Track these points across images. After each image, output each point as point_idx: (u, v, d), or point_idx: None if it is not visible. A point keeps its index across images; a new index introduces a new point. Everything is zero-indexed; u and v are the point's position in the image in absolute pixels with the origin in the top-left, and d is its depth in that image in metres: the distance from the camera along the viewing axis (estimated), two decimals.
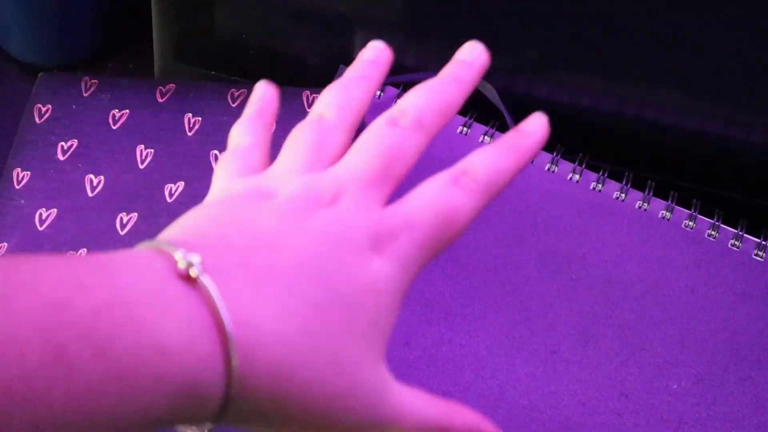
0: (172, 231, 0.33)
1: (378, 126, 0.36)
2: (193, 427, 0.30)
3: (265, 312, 0.30)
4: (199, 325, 0.28)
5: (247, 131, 0.40)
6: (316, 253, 0.32)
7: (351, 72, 0.40)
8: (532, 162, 0.38)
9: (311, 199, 0.34)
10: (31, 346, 0.26)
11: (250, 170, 0.37)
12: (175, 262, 0.29)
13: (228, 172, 0.37)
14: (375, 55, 0.40)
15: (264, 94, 0.42)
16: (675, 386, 0.47)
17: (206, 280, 0.29)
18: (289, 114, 0.53)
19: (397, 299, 0.33)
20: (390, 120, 0.36)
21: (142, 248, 0.31)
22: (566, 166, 0.54)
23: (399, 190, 0.36)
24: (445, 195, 0.35)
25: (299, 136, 0.37)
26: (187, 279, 0.29)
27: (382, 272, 0.33)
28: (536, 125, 0.38)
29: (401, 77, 0.56)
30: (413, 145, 0.36)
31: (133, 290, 0.28)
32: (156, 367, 0.27)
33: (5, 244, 0.48)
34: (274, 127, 0.40)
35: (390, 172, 0.35)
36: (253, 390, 0.29)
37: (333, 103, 0.38)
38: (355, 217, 0.34)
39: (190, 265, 0.29)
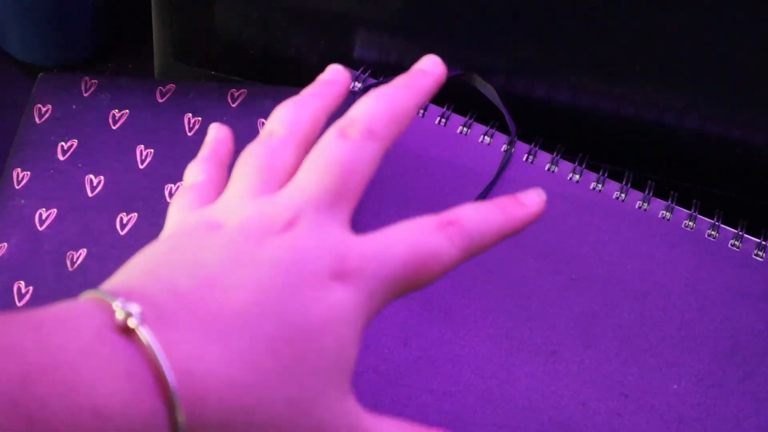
0: (120, 277, 0.31)
1: (327, 139, 0.34)
2: None
3: (212, 358, 0.28)
4: (138, 381, 0.27)
5: (200, 169, 0.38)
6: (269, 288, 0.30)
7: (305, 91, 0.38)
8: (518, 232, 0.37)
9: (263, 226, 0.32)
10: None
11: (202, 203, 0.36)
12: (113, 313, 0.28)
13: (180, 206, 0.36)
14: (331, 76, 0.39)
15: (217, 134, 0.40)
16: (675, 386, 0.47)
17: (145, 331, 0.27)
18: None
19: (359, 330, 0.31)
20: (339, 132, 0.34)
21: (84, 298, 0.29)
22: (566, 166, 0.54)
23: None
24: (427, 237, 0.33)
25: (247, 158, 0.35)
26: (126, 331, 0.27)
27: (344, 302, 0.31)
28: (534, 199, 0.37)
29: None
30: (366, 156, 0.34)
31: (67, 351, 0.26)
32: (92, 431, 0.26)
33: (5, 244, 0.48)
34: (229, 165, 0.39)
35: (346, 188, 0.33)
36: None
37: (283, 119, 0.36)
38: (313, 243, 0.31)
39: (128, 315, 0.27)
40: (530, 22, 0.54)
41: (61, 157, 0.51)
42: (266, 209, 0.33)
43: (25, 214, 0.49)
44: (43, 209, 0.50)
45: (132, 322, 0.27)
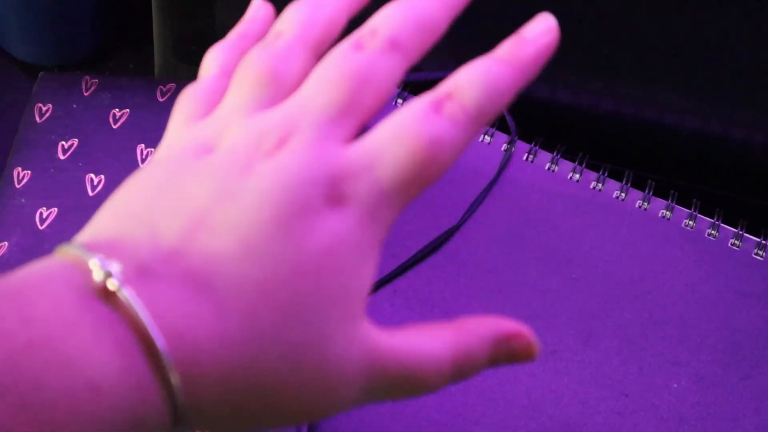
0: (99, 223, 0.28)
1: (341, 48, 0.30)
2: None
3: (202, 314, 0.26)
4: (127, 348, 0.25)
5: (217, 58, 0.34)
6: (257, 224, 0.27)
7: None
8: (537, 76, 0.32)
9: (252, 148, 0.28)
10: None
11: (206, 110, 0.32)
12: (91, 273, 0.25)
13: (179, 118, 0.32)
14: None
15: (254, 13, 0.35)
16: (675, 385, 0.47)
17: (127, 293, 0.25)
18: None
19: (369, 252, 0.28)
20: (356, 41, 0.30)
21: (60, 254, 0.26)
22: (566, 165, 0.54)
23: None
24: (424, 125, 0.28)
25: (249, 63, 0.31)
26: (106, 293, 0.25)
27: (343, 226, 0.27)
28: (541, 28, 0.32)
29: None
30: (384, 69, 0.29)
31: (51, 324, 0.24)
32: (91, 406, 0.24)
33: (6, 243, 0.48)
34: None
35: (354, 103, 0.29)
36: (206, 400, 0.26)
37: (293, 18, 0.31)
38: (304, 165, 0.28)
39: (108, 275, 0.25)
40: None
41: (61, 157, 0.51)
42: (259, 126, 0.29)
43: (25, 213, 0.49)
44: (44, 208, 0.50)
45: (112, 284, 0.25)
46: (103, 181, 0.51)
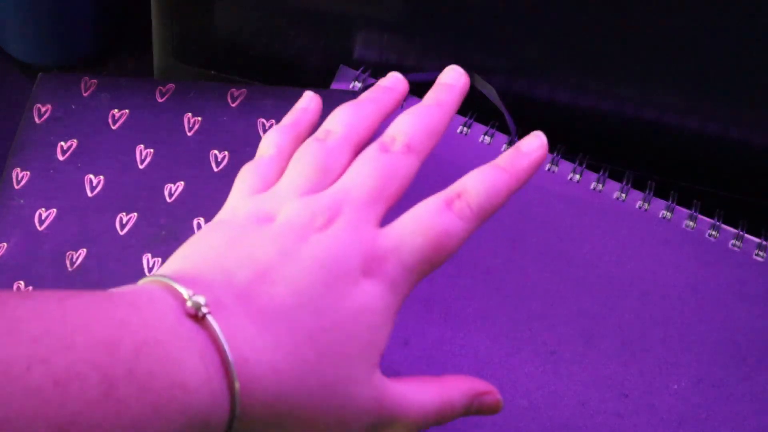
0: (178, 263, 0.35)
1: (371, 151, 0.38)
2: None
3: (262, 346, 0.32)
4: (209, 362, 0.31)
5: (274, 142, 0.41)
6: (309, 282, 0.34)
7: (365, 94, 0.42)
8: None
9: (306, 222, 0.36)
10: (89, 383, 0.28)
11: (264, 185, 0.39)
12: (184, 301, 0.32)
13: (242, 188, 0.39)
14: (391, 83, 0.42)
15: (306, 104, 0.43)
16: (675, 386, 0.47)
17: (212, 320, 0.31)
18: None
19: (389, 317, 0.35)
20: (381, 146, 0.38)
21: (148, 283, 0.33)
22: (566, 166, 0.54)
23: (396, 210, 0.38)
24: (438, 218, 0.36)
25: (305, 153, 0.39)
26: (195, 318, 0.32)
27: (373, 294, 0.35)
28: (535, 144, 0.39)
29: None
30: (405, 166, 0.38)
31: (160, 330, 0.30)
32: (181, 402, 0.30)
33: (5, 244, 0.48)
34: (305, 139, 0.41)
35: (384, 192, 0.37)
36: (253, 416, 0.32)
37: (341, 121, 0.40)
38: (348, 241, 0.35)
39: (197, 305, 0.31)
40: (530, 22, 0.54)
41: (60, 157, 0.51)
42: (312, 205, 0.36)
43: (24, 214, 0.49)
44: (43, 209, 0.50)
45: (202, 312, 0.31)
46: (102, 182, 0.51)
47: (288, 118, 0.42)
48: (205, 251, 0.35)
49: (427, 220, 0.36)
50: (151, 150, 0.52)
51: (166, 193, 0.50)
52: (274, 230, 0.36)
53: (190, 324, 0.31)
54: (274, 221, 0.36)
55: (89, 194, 0.50)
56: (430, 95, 0.41)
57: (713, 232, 0.52)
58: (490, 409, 0.39)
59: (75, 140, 0.52)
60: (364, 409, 0.35)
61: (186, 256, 0.35)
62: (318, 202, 0.36)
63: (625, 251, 0.51)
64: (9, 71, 0.63)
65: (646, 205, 0.53)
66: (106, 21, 0.62)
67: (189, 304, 0.32)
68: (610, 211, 0.52)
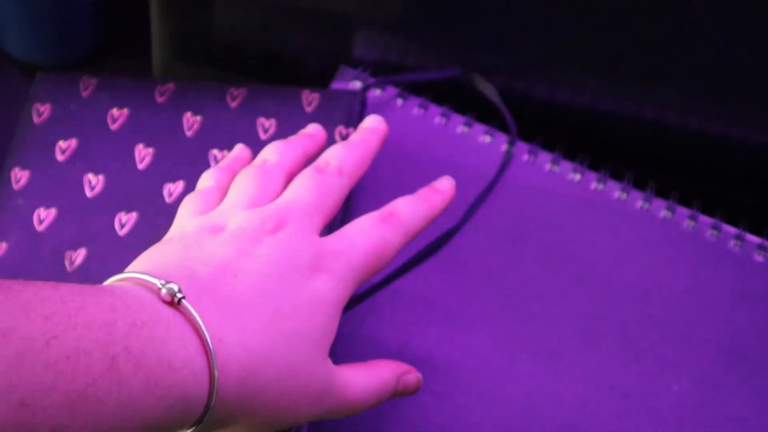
0: (140, 265, 0.38)
1: (308, 171, 0.43)
2: None
3: (232, 328, 0.35)
4: (189, 343, 0.34)
5: (212, 176, 0.45)
6: (267, 275, 0.38)
7: (292, 137, 0.47)
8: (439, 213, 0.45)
9: (257, 227, 0.40)
10: (93, 358, 0.30)
11: (206, 209, 0.43)
12: (158, 290, 0.35)
13: (188, 211, 0.43)
14: (312, 131, 0.48)
15: (239, 153, 0.48)
16: (676, 387, 0.47)
17: (188, 305, 0.34)
18: (288, 114, 0.53)
19: (338, 309, 0.39)
20: (317, 168, 0.43)
21: (116, 281, 0.36)
22: (567, 165, 0.54)
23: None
24: (378, 230, 0.42)
25: (245, 176, 0.43)
26: (171, 304, 0.34)
27: (325, 287, 0.39)
28: (445, 185, 0.46)
29: (401, 77, 0.56)
30: (338, 186, 0.43)
31: (144, 314, 0.33)
32: (168, 380, 0.32)
33: (4, 244, 0.48)
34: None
35: (322, 205, 0.42)
36: (228, 395, 0.35)
37: (275, 151, 0.45)
38: (298, 241, 0.40)
39: (172, 292, 0.34)
40: (530, 22, 0.54)
41: (59, 157, 0.51)
42: (259, 215, 0.40)
43: (23, 214, 0.49)
44: (42, 209, 0.49)
45: (177, 297, 0.34)
46: (101, 182, 0.51)
47: (225, 161, 0.47)
48: (165, 256, 0.38)
49: (370, 230, 0.41)
50: (151, 150, 0.52)
51: (166, 193, 0.50)
52: (227, 236, 0.39)
53: (168, 309, 0.34)
54: (225, 230, 0.40)
55: (88, 194, 0.50)
56: (355, 135, 0.47)
57: (714, 232, 0.52)
58: (413, 388, 0.43)
59: (74, 140, 0.52)
60: (319, 391, 0.38)
61: (146, 261, 0.38)
62: (265, 211, 0.41)
63: (625, 251, 0.51)
64: (8, 71, 0.63)
65: (646, 204, 0.53)
66: (105, 21, 0.62)
67: (164, 291, 0.34)
68: (611, 211, 0.52)
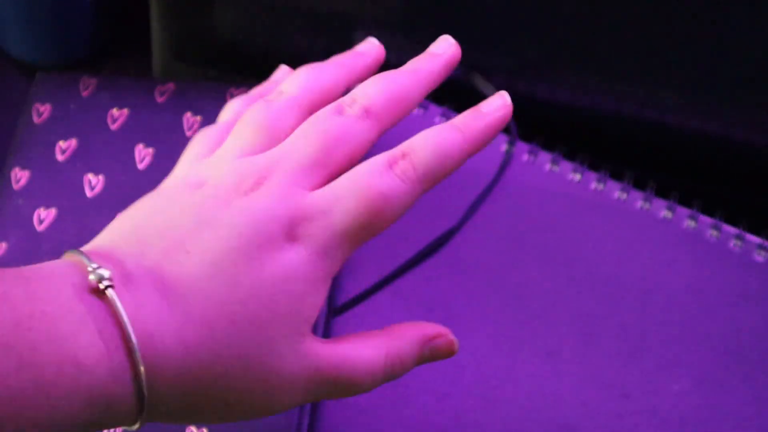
0: (100, 237, 0.34)
1: (323, 112, 0.35)
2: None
3: (170, 320, 0.31)
4: (108, 338, 0.29)
5: (233, 108, 0.39)
6: (224, 251, 0.32)
7: (334, 58, 0.39)
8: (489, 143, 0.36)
9: (232, 187, 0.34)
10: None
11: (210, 150, 0.37)
12: (88, 274, 0.30)
13: (191, 153, 0.37)
14: (366, 48, 0.40)
15: (279, 75, 0.41)
16: (676, 387, 0.47)
17: (112, 294, 0.30)
18: None
19: (317, 284, 0.33)
20: (336, 107, 0.35)
21: (65, 257, 0.32)
22: (567, 165, 0.54)
23: None
24: (376, 179, 0.33)
25: (250, 114, 0.36)
26: (97, 292, 0.30)
27: (296, 261, 0.33)
28: (496, 104, 0.36)
29: None
30: (359, 131, 0.35)
31: (51, 304, 0.29)
32: (72, 379, 0.28)
33: (4, 243, 0.48)
34: None
35: (327, 156, 0.34)
36: (163, 396, 0.31)
37: (297, 82, 0.37)
38: (271, 205, 0.33)
39: (99, 278, 0.30)
40: (531, 22, 0.54)
41: (59, 157, 0.51)
42: (243, 168, 0.34)
43: (23, 214, 0.49)
44: (42, 209, 0.49)
45: (103, 284, 0.30)
46: (101, 182, 0.51)
47: (255, 89, 0.40)
48: (128, 224, 0.34)
49: (364, 182, 0.33)
50: (151, 150, 0.52)
51: None
52: (198, 196, 0.34)
53: (90, 298, 0.30)
54: (204, 186, 0.34)
55: (88, 194, 0.50)
56: (410, 62, 0.38)
57: (714, 232, 0.52)
58: (445, 353, 0.36)
59: (74, 140, 0.52)
60: (295, 377, 0.33)
61: (111, 230, 0.34)
62: (251, 163, 0.34)
63: (625, 251, 0.51)
64: (8, 71, 0.63)
65: (647, 204, 0.53)
66: (105, 21, 0.62)
67: (91, 277, 0.30)
68: (611, 211, 0.52)
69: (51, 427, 0.28)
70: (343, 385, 0.34)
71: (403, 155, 0.34)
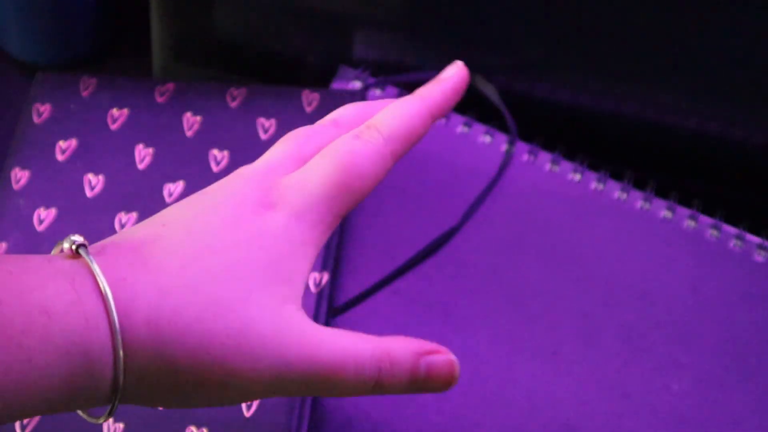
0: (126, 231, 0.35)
1: (343, 136, 0.36)
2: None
3: (144, 270, 0.31)
4: (80, 287, 0.30)
5: (340, 112, 0.38)
6: (201, 214, 0.33)
7: (423, 93, 0.38)
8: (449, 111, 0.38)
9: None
10: None
11: (296, 160, 0.37)
12: (66, 249, 0.32)
13: (278, 149, 0.37)
14: (449, 77, 0.39)
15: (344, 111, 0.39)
16: (676, 387, 0.47)
17: (84, 252, 0.31)
18: (288, 114, 0.53)
19: (299, 248, 0.33)
20: (355, 133, 0.36)
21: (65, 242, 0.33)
22: (567, 165, 0.54)
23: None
24: (345, 146, 0.35)
25: (291, 135, 0.37)
26: (72, 256, 0.31)
27: (272, 223, 0.33)
28: (453, 71, 0.38)
29: (401, 77, 0.56)
30: (370, 154, 0.35)
31: (17, 265, 0.30)
32: (42, 327, 0.29)
33: (4, 243, 0.48)
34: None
35: (347, 185, 0.34)
36: (138, 337, 0.31)
37: (345, 112, 0.38)
38: (249, 179, 0.34)
39: (72, 243, 0.31)
40: (531, 22, 0.54)
41: (59, 157, 0.51)
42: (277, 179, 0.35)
43: (23, 214, 0.49)
44: (42, 209, 0.49)
45: (74, 246, 0.31)
46: (101, 182, 0.50)
47: (316, 125, 0.39)
48: (164, 216, 0.35)
49: (334, 149, 0.35)
50: (151, 150, 0.52)
51: (166, 193, 0.50)
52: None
53: (61, 260, 0.31)
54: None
55: (88, 194, 0.50)
56: (420, 90, 0.38)
57: (714, 232, 0.52)
58: (443, 377, 0.34)
59: (74, 140, 0.52)
60: (267, 339, 0.32)
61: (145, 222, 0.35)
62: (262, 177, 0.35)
63: (625, 251, 0.51)
64: (8, 71, 0.63)
65: (647, 204, 0.53)
66: (105, 21, 0.62)
67: (65, 244, 0.32)
68: (611, 211, 0.52)
69: (30, 383, 0.29)
70: (323, 368, 0.32)
71: (368, 126, 0.36)
